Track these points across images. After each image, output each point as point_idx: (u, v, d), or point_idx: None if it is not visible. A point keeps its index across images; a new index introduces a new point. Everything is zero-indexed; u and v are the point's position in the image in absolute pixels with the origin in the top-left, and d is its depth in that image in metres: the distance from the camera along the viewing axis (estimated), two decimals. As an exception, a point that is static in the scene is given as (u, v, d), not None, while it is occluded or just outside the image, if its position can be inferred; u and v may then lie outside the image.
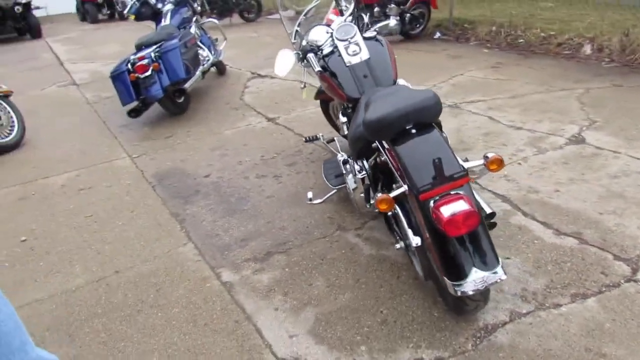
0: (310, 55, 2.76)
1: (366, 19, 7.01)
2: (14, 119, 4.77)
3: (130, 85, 4.69)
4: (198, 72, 5.30)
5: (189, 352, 2.10)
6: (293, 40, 2.94)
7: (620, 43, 5.63)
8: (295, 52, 2.84)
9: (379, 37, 2.94)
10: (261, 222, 3.04)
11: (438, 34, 7.77)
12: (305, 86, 2.95)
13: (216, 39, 6.38)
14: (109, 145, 4.59)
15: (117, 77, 4.73)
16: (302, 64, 2.91)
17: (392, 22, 7.26)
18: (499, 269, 1.72)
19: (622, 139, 3.60)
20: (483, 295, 1.89)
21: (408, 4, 7.33)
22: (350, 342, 2.07)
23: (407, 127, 1.91)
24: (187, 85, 4.96)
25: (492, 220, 2.16)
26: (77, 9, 14.91)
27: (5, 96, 4.76)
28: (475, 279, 1.70)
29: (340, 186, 2.88)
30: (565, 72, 5.37)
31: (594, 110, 4.20)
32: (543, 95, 4.68)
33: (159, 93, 4.73)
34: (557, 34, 6.34)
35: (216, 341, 2.15)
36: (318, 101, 3.63)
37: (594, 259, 2.39)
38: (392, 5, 7.24)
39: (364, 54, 2.70)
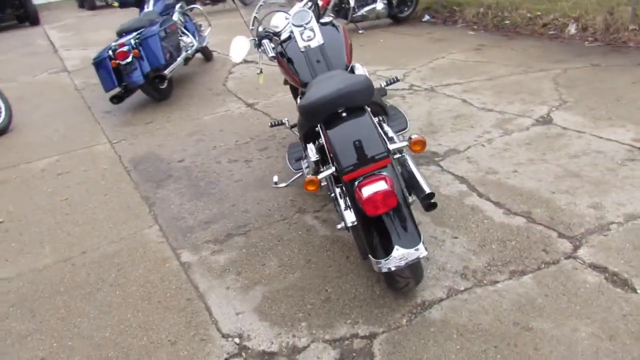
0: (265, 41, 2.81)
1: (352, 2, 7.00)
2: (2, 106, 4.87)
3: (112, 71, 4.76)
4: (180, 59, 5.36)
5: (139, 328, 2.21)
6: (251, 27, 2.99)
7: (604, 22, 5.60)
8: (250, 38, 2.90)
9: (335, 22, 2.98)
10: (226, 205, 3.13)
11: (427, 17, 7.74)
12: (261, 72, 3.01)
13: (201, 25, 6.42)
14: (91, 130, 4.69)
15: (99, 63, 4.81)
16: (259, 50, 2.96)
17: (379, 5, 7.25)
18: (420, 246, 1.79)
19: (588, 119, 3.63)
20: (412, 272, 1.96)
21: (396, -14, 7.30)
22: (292, 318, 2.16)
23: (339, 111, 1.97)
24: (167, 71, 5.02)
25: (431, 201, 2.23)
26: (76, -4, 14.96)
27: (-10, 84, 4.85)
28: (396, 256, 1.77)
29: (299, 170, 2.95)
30: (545, 52, 5.37)
31: (567, 90, 4.22)
32: (519, 77, 4.70)
33: (140, 79, 4.80)
34: (543, 14, 6.30)
35: (166, 317, 2.25)
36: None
37: (538, 237, 2.46)
38: (380, -12, 7.22)
39: (318, 39, 2.74)
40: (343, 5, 7.18)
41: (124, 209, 3.22)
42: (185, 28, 6.09)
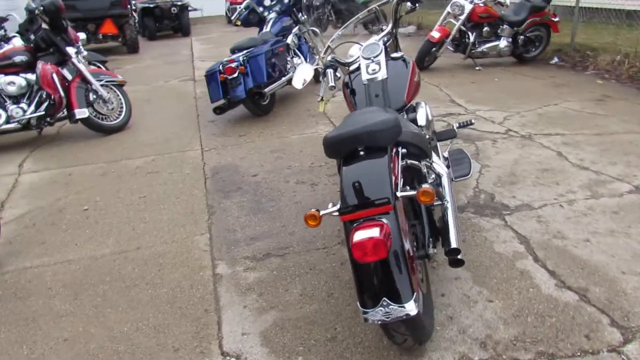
0: (329, 71, 2.83)
1: (472, 37, 6.76)
2: (123, 105, 5.49)
3: (219, 84, 5.13)
4: (283, 79, 5.59)
5: (154, 329, 2.32)
6: (322, 55, 3.03)
7: None
8: (316, 66, 2.94)
9: (406, 57, 2.91)
10: (277, 224, 3.18)
11: (555, 59, 7.20)
12: (322, 99, 3.02)
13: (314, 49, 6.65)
14: (191, 136, 5.08)
15: (210, 76, 5.22)
16: (323, 78, 2.99)
17: (503, 43, 6.91)
18: (408, 305, 1.66)
19: (703, 195, 3.10)
20: (410, 330, 1.82)
21: (524, 25, 6.89)
22: (292, 351, 2.12)
23: (359, 149, 1.92)
24: (267, 89, 5.27)
25: (457, 257, 2.07)
26: (226, 12, 16.40)
27: (120, 85, 5.50)
28: (382, 309, 1.66)
29: None
30: (680, 112, 4.69)
31: (689, 158, 3.65)
32: (637, 136, 4.16)
33: (242, 94, 5.11)
34: (690, 68, 5.53)
35: (180, 324, 2.34)
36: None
37: (584, 320, 2.14)
38: (505, 26, 6.87)
39: (382, 74, 2.70)
40: (463, 40, 6.96)
41: (187, 213, 3.43)
42: (299, 49, 6.36)
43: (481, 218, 3.03)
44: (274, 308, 2.40)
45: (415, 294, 1.68)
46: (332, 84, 2.77)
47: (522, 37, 6.96)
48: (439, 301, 2.33)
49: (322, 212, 1.80)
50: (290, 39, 6.07)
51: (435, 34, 6.77)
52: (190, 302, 2.50)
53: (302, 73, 2.89)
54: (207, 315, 2.39)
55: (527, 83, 6.19)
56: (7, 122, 4.87)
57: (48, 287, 2.72)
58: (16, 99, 4.94)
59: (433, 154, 2.83)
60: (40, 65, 4.89)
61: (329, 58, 2.89)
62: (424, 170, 2.28)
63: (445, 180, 2.60)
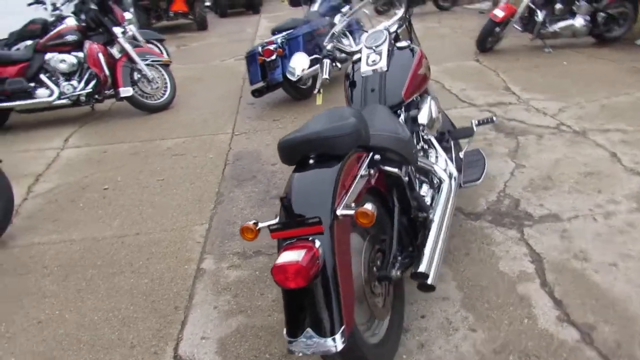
0: (325, 61, 2.61)
1: (541, 16, 6.10)
2: (168, 84, 5.56)
3: (258, 67, 5.04)
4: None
5: (121, 322, 2.30)
6: (325, 43, 2.79)
7: None
8: (313, 56, 2.72)
9: (414, 47, 2.61)
10: (277, 219, 3.04)
11: (644, 41, 6.34)
12: (319, 91, 2.80)
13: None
14: (227, 119, 5.04)
15: (250, 58, 5.14)
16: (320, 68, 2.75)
17: (579, 22, 6.16)
18: (332, 340, 1.45)
19: None
20: None
21: (605, 1, 6.11)
22: (244, 362, 2.00)
23: (311, 156, 1.72)
24: (304, 73, 5.07)
25: (428, 282, 1.83)
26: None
27: (166, 65, 5.57)
28: (306, 340, 1.47)
29: None
30: None
31: None
32: None
33: (279, 77, 4.97)
34: None
35: (147, 319, 2.30)
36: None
37: (579, 366, 1.82)
38: (582, 3, 6.12)
39: (381, 66, 2.44)
40: (532, 18, 6.30)
41: (196, 201, 3.39)
42: (350, 31, 6.08)
43: (496, 228, 2.69)
44: (243, 312, 2.28)
45: (343, 327, 1.47)
46: (325, 75, 2.56)
47: (602, 14, 6.17)
48: (416, 324, 2.09)
49: (260, 225, 1.63)
50: (337, 19, 5.80)
51: (499, 13, 6.18)
52: (165, 296, 2.45)
53: (297, 63, 2.70)
54: (175, 313, 2.32)
55: (600, 67, 5.49)
56: (59, 97, 5.10)
57: (44, 266, 2.79)
58: (68, 76, 5.15)
59: (440, 155, 2.55)
60: (87, 44, 5.05)
61: (329, 47, 2.66)
62: (405, 178, 2.02)
63: (444, 187, 2.33)
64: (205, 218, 3.15)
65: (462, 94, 5.03)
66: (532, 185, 3.09)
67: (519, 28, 6.42)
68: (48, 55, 5.04)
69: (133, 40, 5.90)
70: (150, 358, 2.07)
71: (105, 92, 5.23)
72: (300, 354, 1.50)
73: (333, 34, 2.78)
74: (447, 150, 2.72)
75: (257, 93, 5.19)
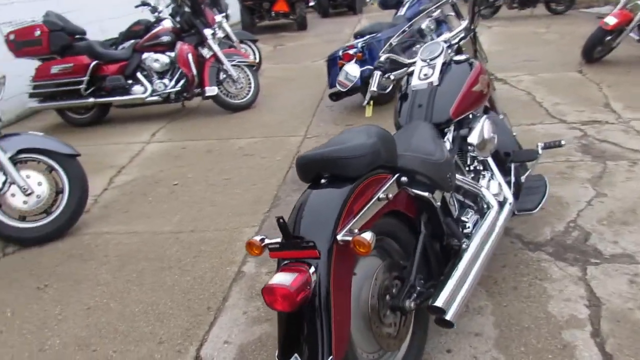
0: (375, 73, 2.52)
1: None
2: (252, 85, 5.73)
3: (338, 70, 5.03)
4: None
5: (156, 317, 2.40)
6: (380, 52, 2.68)
7: None
8: (366, 67, 2.63)
9: (473, 61, 2.44)
10: (325, 229, 3.01)
11: None
12: (369, 103, 2.70)
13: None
14: (302, 122, 5.08)
15: (330, 61, 5.16)
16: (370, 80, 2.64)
17: None
18: (319, 368, 1.39)
19: None
20: None
21: None
22: (257, 373, 2.00)
23: (325, 175, 1.66)
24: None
25: (445, 317, 1.70)
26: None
27: (251, 66, 5.75)
28: (297, 364, 1.43)
29: None
30: None
31: None
32: None
33: (357, 82, 4.90)
34: None
35: (180, 317, 2.38)
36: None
37: None
38: None
39: (433, 80, 2.31)
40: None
41: (253, 202, 3.45)
42: (438, 35, 5.85)
43: (555, 263, 2.44)
44: (269, 321, 2.27)
45: (330, 357, 1.41)
46: (373, 88, 2.48)
47: None
48: (440, 358, 1.95)
49: (266, 241, 1.61)
50: (425, 24, 5.60)
51: (611, 20, 5.59)
52: (201, 296, 2.52)
53: (342, 75, 2.64)
54: (207, 314, 2.38)
55: None
56: (151, 94, 5.46)
57: (105, 255, 3.00)
58: (161, 75, 5.50)
59: (495, 178, 2.37)
60: (178, 45, 5.36)
61: (382, 58, 2.56)
62: (437, 203, 1.89)
63: (490, 214, 2.15)
64: (257, 221, 3.20)
65: (553, 108, 4.63)
66: (609, 218, 2.76)
67: (636, 37, 5.77)
68: (145, 55, 5.42)
69: (227, 40, 6.18)
70: (174, 356, 2.14)
71: (194, 90, 5.51)
72: (286, 381, 1.46)
73: (390, 44, 2.68)
74: (506, 172, 2.51)
75: (334, 97, 5.09)
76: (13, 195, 3.09)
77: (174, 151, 4.63)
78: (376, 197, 1.65)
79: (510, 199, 2.36)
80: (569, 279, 2.31)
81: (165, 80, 5.47)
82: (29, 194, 3.10)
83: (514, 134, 2.81)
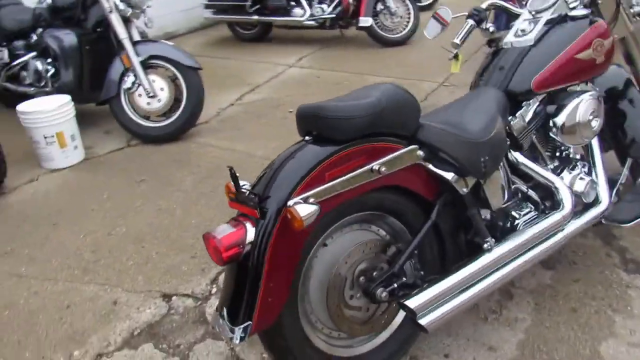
0: (468, 22, 2.09)
1: None
2: (411, 19, 5.35)
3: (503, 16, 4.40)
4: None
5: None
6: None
7: None
8: (460, 14, 2.19)
9: (595, 19, 1.87)
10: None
11: None
12: (456, 57, 2.25)
13: None
14: (449, 65, 4.61)
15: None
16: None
17: None
18: (232, 331, 1.30)
19: None
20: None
21: None
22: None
23: (313, 133, 1.49)
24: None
25: (418, 321, 1.46)
26: None
27: (416, 0, 5.34)
28: (218, 318, 1.37)
29: None
30: None
31: None
32: None
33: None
34: None
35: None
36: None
37: None
38: None
39: (528, 39, 1.86)
40: None
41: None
42: None
43: (637, 275, 1.90)
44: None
45: (249, 322, 1.31)
46: (456, 40, 2.09)
47: None
48: (433, 360, 1.71)
49: (242, 183, 1.52)
50: None
51: None
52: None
53: (434, 22, 2.26)
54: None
55: None
56: (309, 18, 5.48)
57: (198, 164, 3.23)
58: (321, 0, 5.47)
59: (594, 173, 1.89)
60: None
61: (484, 5, 2.10)
62: (463, 189, 1.57)
63: (554, 217, 1.73)
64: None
65: None
66: None
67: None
68: (308, -23, 5.41)
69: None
70: (197, 273, 2.26)
71: (349, 19, 5.38)
72: (215, 330, 1.43)
73: (508, -14, 2.20)
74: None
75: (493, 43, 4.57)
76: (140, 95, 3.45)
77: (308, 79, 4.65)
78: (368, 168, 1.43)
79: (606, 200, 1.86)
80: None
81: (324, 6, 5.41)
82: (152, 97, 3.43)
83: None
